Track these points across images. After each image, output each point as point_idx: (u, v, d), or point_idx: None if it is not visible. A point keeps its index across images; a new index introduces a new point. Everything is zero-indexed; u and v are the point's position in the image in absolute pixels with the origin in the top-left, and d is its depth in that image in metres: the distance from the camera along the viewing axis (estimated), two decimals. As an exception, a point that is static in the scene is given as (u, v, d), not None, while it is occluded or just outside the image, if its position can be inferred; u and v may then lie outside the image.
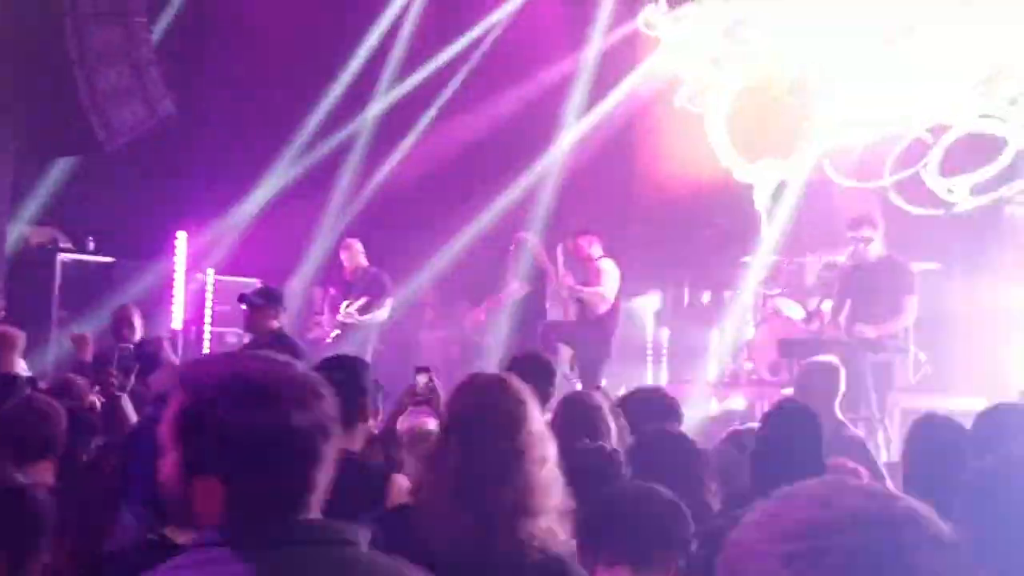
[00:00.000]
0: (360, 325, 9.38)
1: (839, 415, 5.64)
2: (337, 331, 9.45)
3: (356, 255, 9.56)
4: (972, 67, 10.63)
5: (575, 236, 8.73)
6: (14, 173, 9.66)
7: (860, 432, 6.34)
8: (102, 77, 9.55)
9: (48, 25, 9.18)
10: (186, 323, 10.09)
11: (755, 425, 5.28)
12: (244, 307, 7.11)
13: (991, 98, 10.55)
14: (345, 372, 3.65)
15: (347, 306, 9.38)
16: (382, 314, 9.48)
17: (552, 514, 2.61)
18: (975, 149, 10.53)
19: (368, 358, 8.25)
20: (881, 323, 7.81)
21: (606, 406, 4.26)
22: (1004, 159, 10.39)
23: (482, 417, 2.70)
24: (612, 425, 4.10)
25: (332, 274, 10.03)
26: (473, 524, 2.55)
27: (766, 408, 9.07)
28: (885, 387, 7.74)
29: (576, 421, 4.03)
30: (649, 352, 10.92)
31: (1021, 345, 9.21)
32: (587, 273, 8.90)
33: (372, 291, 9.43)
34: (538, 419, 2.77)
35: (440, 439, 2.80)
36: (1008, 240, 9.98)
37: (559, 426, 4.01)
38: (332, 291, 9.75)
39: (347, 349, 8.65)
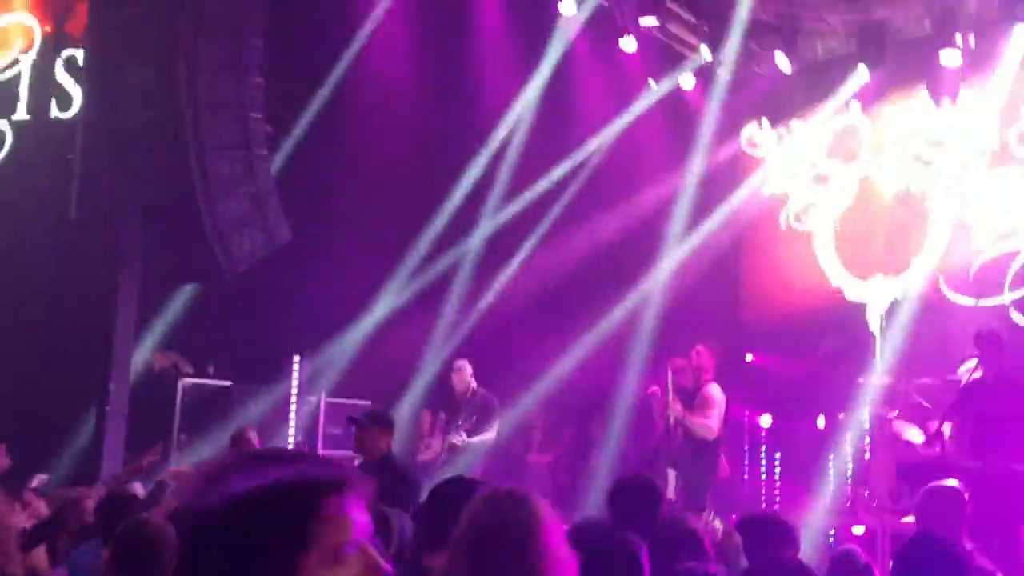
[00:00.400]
0: (468, 448, 9.40)
1: (967, 544, 5.38)
2: (444, 454, 9.47)
3: (465, 377, 9.64)
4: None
5: (690, 355, 8.68)
6: (139, 300, 10.05)
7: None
8: (224, 207, 9.94)
9: (173, 155, 9.64)
10: (299, 445, 10.24)
11: (853, 547, 5.15)
12: (354, 429, 7.19)
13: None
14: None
15: (456, 428, 9.42)
16: (490, 436, 9.50)
17: None
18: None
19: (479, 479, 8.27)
20: (1012, 447, 7.50)
21: (702, 530, 4.19)
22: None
23: (495, 529, 2.64)
24: (709, 550, 4.02)
25: (442, 397, 10.11)
26: None
27: (887, 536, 8.90)
28: (1018, 514, 7.37)
29: (670, 544, 3.95)
30: (763, 474, 10.69)
31: None
32: (694, 397, 8.82)
33: (481, 413, 9.46)
34: (556, 537, 2.68)
35: (452, 550, 2.74)
36: None
37: (654, 551, 3.98)
38: (442, 414, 9.81)
39: (458, 470, 8.68)
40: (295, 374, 10.28)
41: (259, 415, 9.63)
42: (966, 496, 5.49)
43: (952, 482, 5.83)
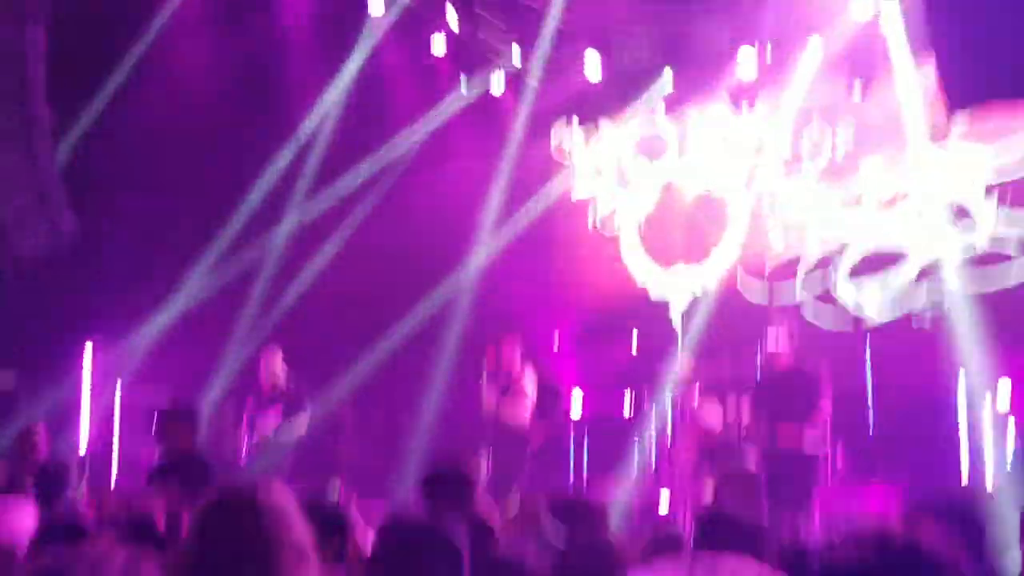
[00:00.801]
0: (278, 440, 9.16)
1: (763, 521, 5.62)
2: (253, 447, 9.22)
3: (275, 368, 9.37)
4: (875, 188, 11.08)
5: (499, 344, 8.74)
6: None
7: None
8: (5, 199, 9.51)
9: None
10: (94, 439, 9.76)
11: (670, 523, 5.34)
12: (156, 424, 6.94)
13: (893, 215, 10.96)
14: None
15: (265, 420, 9.18)
16: (300, 428, 9.28)
17: None
18: (881, 264, 10.89)
19: (286, 473, 8.09)
20: (799, 429, 7.95)
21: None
22: (909, 272, 10.75)
23: (234, 542, 2.37)
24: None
25: (247, 389, 9.80)
26: None
27: (688, 512, 9.18)
28: (809, 486, 7.80)
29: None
30: (571, 460, 10.87)
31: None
32: (508, 384, 8.89)
33: (290, 405, 9.23)
34: (301, 536, 2.45)
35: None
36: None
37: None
38: (249, 404, 9.51)
39: (264, 464, 8.47)
40: (86, 365, 9.80)
41: (50, 408, 9.13)
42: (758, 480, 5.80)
43: (749, 466, 6.16)
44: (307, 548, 2.44)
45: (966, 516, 3.17)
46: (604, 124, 12.56)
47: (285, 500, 2.46)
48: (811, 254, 11.31)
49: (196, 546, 2.41)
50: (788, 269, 11.33)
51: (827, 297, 11.07)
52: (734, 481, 5.94)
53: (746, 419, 8.69)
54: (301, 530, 2.45)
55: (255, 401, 9.38)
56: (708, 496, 8.46)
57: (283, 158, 11.66)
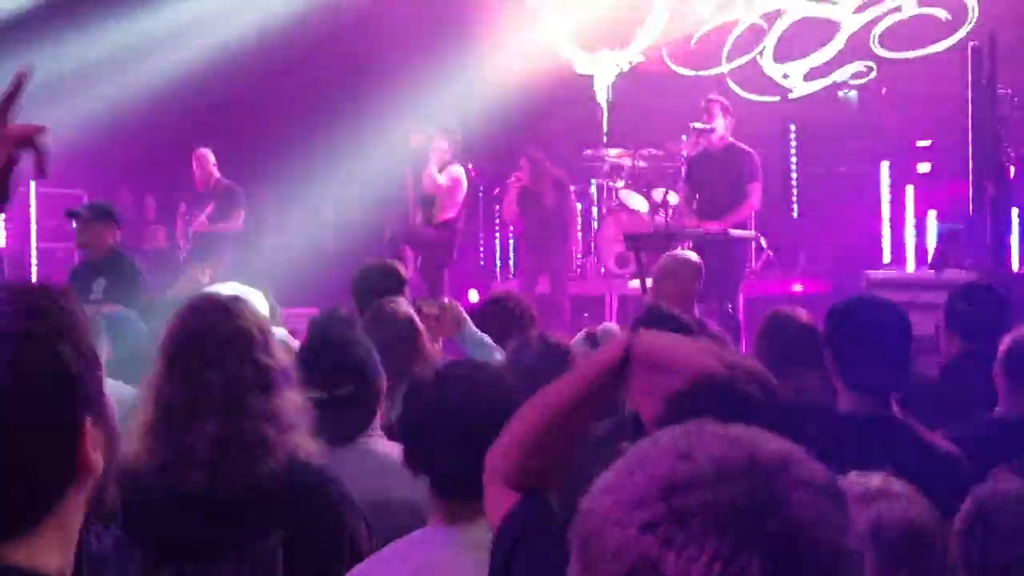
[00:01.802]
0: (216, 235, 9.10)
1: (697, 313, 5.54)
2: (189, 242, 9.19)
3: (207, 166, 9.21)
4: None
5: (436, 135, 8.44)
6: None
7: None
8: None
9: None
10: (10, 238, 9.52)
11: (611, 325, 5.31)
12: (74, 223, 6.80)
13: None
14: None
15: (200, 215, 9.11)
16: (236, 224, 9.24)
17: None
18: (809, 34, 10.74)
19: (228, 267, 7.99)
20: (728, 212, 7.83)
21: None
22: (837, 43, 10.63)
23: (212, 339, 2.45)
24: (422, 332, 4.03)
25: (174, 185, 9.60)
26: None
27: (615, 299, 9.34)
28: (736, 272, 7.79)
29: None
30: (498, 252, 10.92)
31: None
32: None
33: (225, 201, 9.16)
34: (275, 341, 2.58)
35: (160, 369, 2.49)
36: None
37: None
38: (183, 203, 9.38)
39: (203, 259, 8.39)
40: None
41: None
42: (700, 266, 5.60)
43: (688, 253, 5.99)
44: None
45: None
46: None
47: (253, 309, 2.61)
48: (740, 21, 11.10)
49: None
50: (714, 41, 11.13)
51: (753, 67, 10.95)
52: (675, 268, 5.68)
53: (674, 203, 8.52)
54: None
55: (191, 197, 9.22)
56: (632, 283, 8.57)
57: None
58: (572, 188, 9.58)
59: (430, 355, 3.94)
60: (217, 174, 9.22)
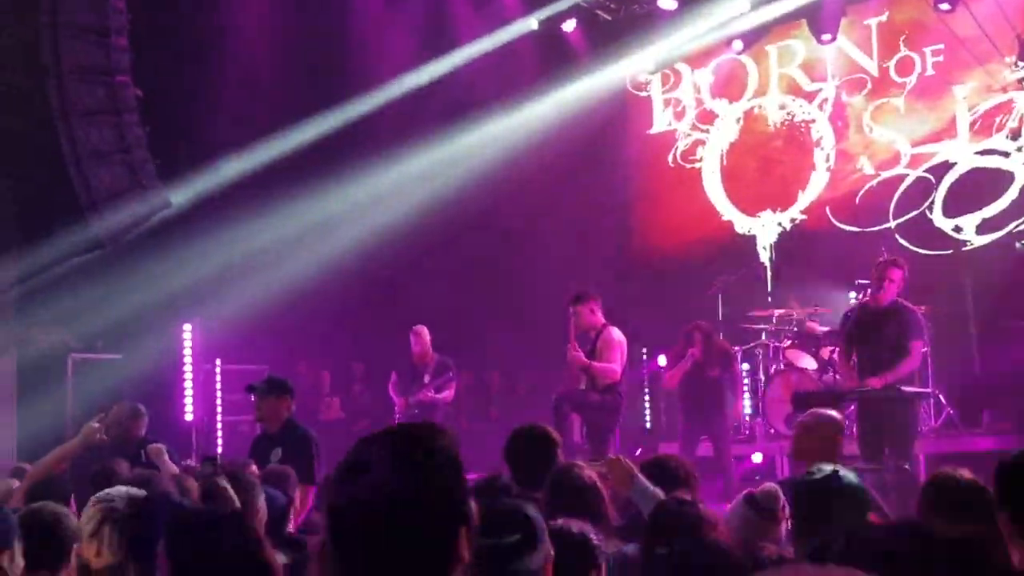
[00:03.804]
0: (436, 405, 9.58)
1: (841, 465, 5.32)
2: (414, 411, 9.59)
3: (424, 340, 9.76)
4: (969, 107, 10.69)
5: (575, 303, 8.56)
6: (19, 276, 9.67)
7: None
8: (95, 175, 9.63)
9: (42, 125, 9.28)
10: (197, 414, 10.03)
11: (771, 485, 5.16)
12: (253, 397, 7.09)
13: (991, 134, 10.56)
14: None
15: (424, 387, 9.61)
16: (449, 395, 9.76)
17: None
18: (979, 185, 10.51)
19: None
20: (887, 369, 7.62)
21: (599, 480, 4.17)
22: (1011, 193, 10.37)
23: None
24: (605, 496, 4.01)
25: (396, 360, 10.15)
26: None
27: (785, 461, 9.05)
28: (911, 432, 7.52)
29: (565, 497, 3.92)
30: (661, 415, 10.80)
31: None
32: (593, 342, 8.77)
33: (443, 374, 9.68)
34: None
35: None
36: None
37: (547, 502, 3.93)
38: (394, 376, 10.00)
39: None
40: (187, 341, 10.01)
41: (153, 387, 9.35)
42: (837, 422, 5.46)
43: (832, 412, 5.81)
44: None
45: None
46: (680, 62, 12.29)
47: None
48: (905, 176, 10.98)
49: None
50: (879, 196, 11.01)
51: (922, 219, 10.75)
52: (811, 428, 5.55)
53: (839, 362, 8.36)
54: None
55: (407, 371, 9.85)
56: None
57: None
58: (738, 351, 9.49)
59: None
60: (430, 347, 9.73)
